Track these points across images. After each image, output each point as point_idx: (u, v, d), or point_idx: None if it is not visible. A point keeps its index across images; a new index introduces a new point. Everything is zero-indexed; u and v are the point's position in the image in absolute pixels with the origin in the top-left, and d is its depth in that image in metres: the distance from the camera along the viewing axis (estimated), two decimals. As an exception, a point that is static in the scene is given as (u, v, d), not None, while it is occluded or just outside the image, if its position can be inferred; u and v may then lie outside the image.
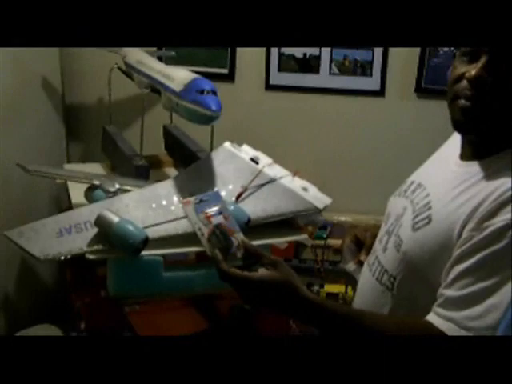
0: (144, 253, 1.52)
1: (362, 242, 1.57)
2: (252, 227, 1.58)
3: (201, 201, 1.39)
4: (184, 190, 1.68)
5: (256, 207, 1.65)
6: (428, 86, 2.70)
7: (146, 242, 1.51)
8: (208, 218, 1.33)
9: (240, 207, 1.62)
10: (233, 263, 1.25)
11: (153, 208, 1.63)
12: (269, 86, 2.76)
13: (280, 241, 1.70)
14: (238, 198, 1.67)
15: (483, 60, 1.20)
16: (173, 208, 1.63)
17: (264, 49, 2.73)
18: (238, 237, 1.29)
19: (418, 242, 1.27)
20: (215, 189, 1.69)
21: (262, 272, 1.22)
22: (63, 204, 2.47)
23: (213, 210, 1.35)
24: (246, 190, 1.70)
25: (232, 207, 1.56)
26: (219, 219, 1.32)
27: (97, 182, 1.79)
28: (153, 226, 1.57)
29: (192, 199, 1.40)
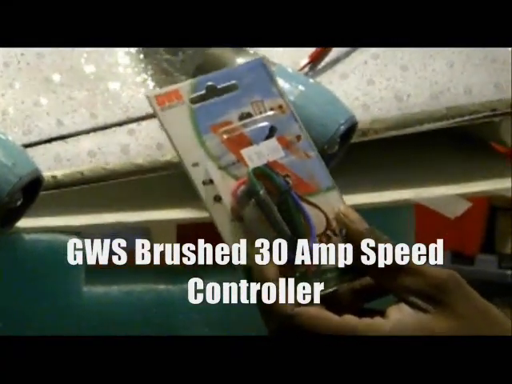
0: (25, 225, 0.63)
1: None
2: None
3: (209, 89, 0.52)
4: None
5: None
6: None
7: (36, 191, 0.62)
8: (231, 142, 0.51)
9: (330, 92, 0.66)
10: (321, 286, 0.50)
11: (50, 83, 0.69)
12: None
13: (445, 197, 0.67)
14: (312, 60, 0.69)
15: None
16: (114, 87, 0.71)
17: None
18: (328, 200, 0.51)
19: None
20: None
21: (399, 316, 0.47)
22: None
23: (248, 116, 0.52)
24: None
25: (305, 92, 0.63)
26: (269, 148, 0.51)
27: None
28: (47, 141, 0.68)
29: (184, 85, 0.53)
